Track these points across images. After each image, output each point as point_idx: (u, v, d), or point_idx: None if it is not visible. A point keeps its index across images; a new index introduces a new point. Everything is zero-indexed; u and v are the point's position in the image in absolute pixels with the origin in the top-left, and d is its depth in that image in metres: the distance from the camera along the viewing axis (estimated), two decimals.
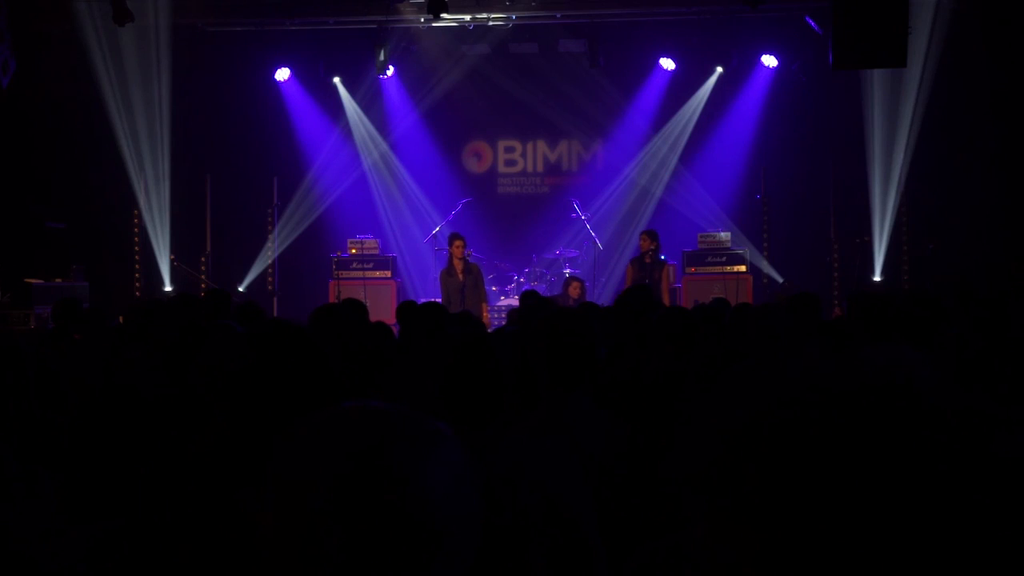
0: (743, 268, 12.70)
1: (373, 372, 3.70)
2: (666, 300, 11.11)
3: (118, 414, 1.99)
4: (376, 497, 0.99)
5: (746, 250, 12.95)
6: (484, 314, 10.82)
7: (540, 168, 14.79)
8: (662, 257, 11.55)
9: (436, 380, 2.26)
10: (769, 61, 13.52)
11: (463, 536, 1.05)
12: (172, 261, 13.26)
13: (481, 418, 2.23)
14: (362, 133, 14.40)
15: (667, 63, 13.73)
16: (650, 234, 11.42)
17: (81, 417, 1.98)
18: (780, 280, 13.50)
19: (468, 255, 11.10)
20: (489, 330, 5.93)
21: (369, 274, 12.95)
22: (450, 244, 10.93)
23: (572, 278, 11.88)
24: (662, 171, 14.20)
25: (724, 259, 12.71)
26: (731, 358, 3.54)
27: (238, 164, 14.06)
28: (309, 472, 1.02)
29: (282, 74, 13.86)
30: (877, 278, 13.02)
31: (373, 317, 8.47)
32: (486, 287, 11.28)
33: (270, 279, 14.15)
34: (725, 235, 12.94)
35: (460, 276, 10.74)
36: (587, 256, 13.19)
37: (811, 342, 3.95)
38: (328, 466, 1.01)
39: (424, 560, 1.00)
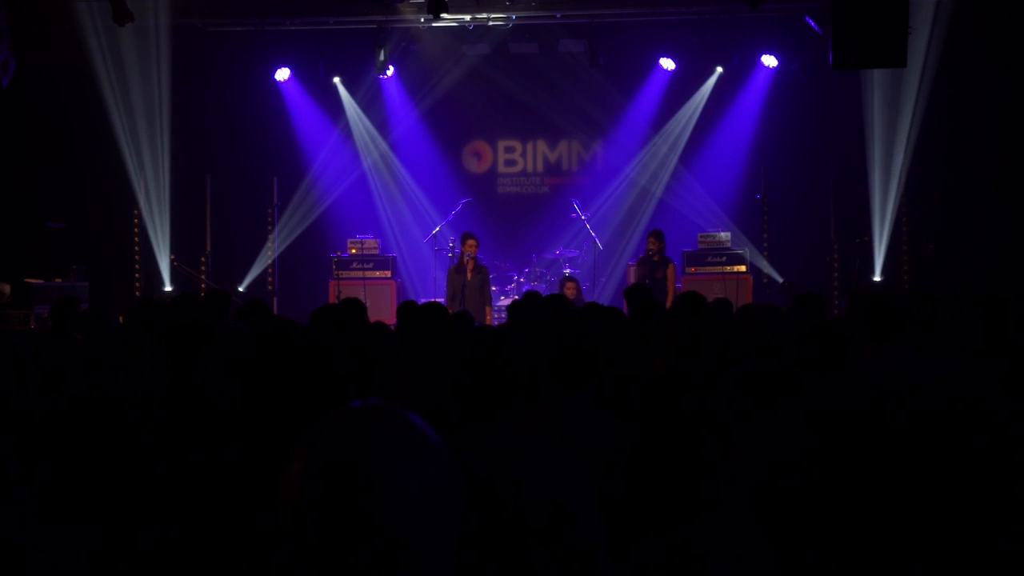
0: (743, 268, 12.70)
1: (372, 371, 3.71)
2: (670, 298, 11.13)
3: (98, 418, 1.99)
4: (345, 505, 1.01)
5: (746, 250, 12.96)
6: (488, 316, 10.84)
7: (540, 168, 14.79)
8: (667, 257, 11.57)
9: (448, 377, 2.27)
10: (769, 61, 13.53)
11: (436, 545, 1.05)
12: (172, 261, 13.26)
13: (492, 415, 2.24)
14: (362, 133, 14.41)
15: (667, 63, 13.73)
16: (657, 234, 11.47)
17: (61, 420, 1.98)
18: (780, 280, 13.51)
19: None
20: None
21: (369, 274, 12.96)
22: (463, 243, 10.94)
23: (567, 278, 11.92)
24: (662, 171, 14.20)
25: (724, 259, 12.72)
26: (732, 358, 3.54)
27: (238, 164, 14.06)
28: (292, 475, 1.04)
29: (282, 74, 13.87)
30: (877, 278, 13.02)
31: (373, 317, 8.48)
32: (490, 289, 11.32)
33: (270, 279, 14.16)
34: (725, 235, 12.94)
35: (469, 275, 10.77)
36: (587, 256, 13.19)
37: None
38: (306, 471, 1.03)
39: (393, 567, 1.01)
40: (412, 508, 1.03)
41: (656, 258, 11.37)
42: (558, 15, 12.71)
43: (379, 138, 14.47)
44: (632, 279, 11.41)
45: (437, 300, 7.76)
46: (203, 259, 13.88)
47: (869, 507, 0.97)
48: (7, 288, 10.73)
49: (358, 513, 1.01)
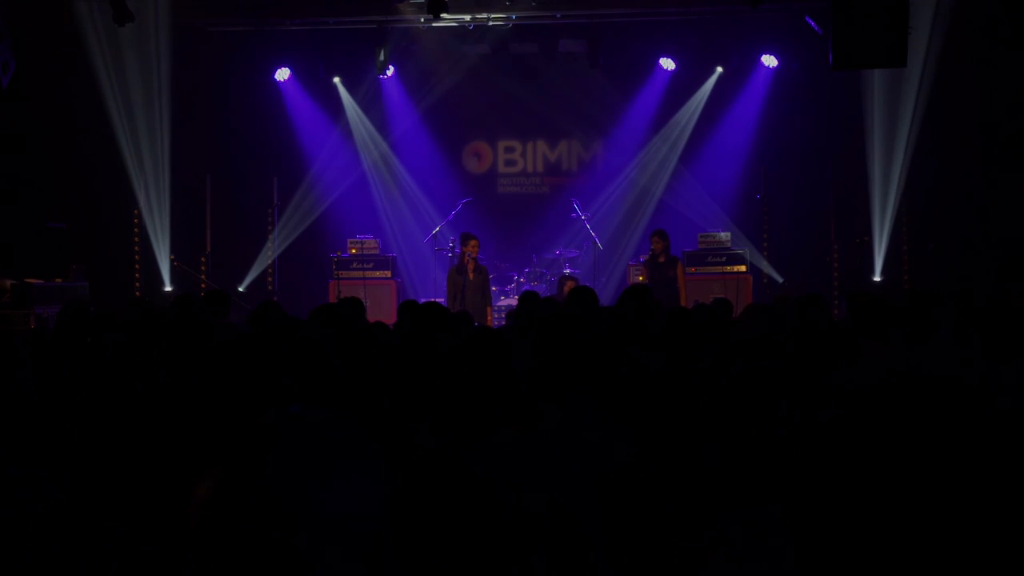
0: (743, 268, 12.70)
1: (370, 371, 3.70)
2: (683, 297, 11.03)
3: (120, 414, 1.99)
4: (245, 518, 0.99)
5: (746, 250, 12.95)
6: (488, 316, 10.84)
7: (540, 168, 14.79)
8: (674, 255, 11.49)
9: (448, 377, 2.27)
10: (769, 61, 13.53)
11: (348, 565, 1.02)
12: (172, 261, 13.26)
13: (491, 415, 2.24)
14: (362, 133, 14.41)
15: (667, 63, 13.73)
16: (660, 234, 11.33)
17: (85, 418, 1.98)
18: (780, 280, 13.51)
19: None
20: None
21: (369, 274, 12.96)
22: (465, 243, 10.92)
23: (567, 278, 11.89)
24: (662, 171, 14.20)
25: (724, 259, 12.71)
26: (732, 358, 3.55)
27: (238, 164, 14.06)
28: (207, 480, 1.02)
29: (282, 74, 13.87)
30: (877, 278, 13.02)
31: (373, 317, 8.49)
32: (490, 290, 11.32)
33: (270, 279, 14.16)
34: (725, 235, 12.94)
35: (470, 275, 10.77)
36: (587, 256, 13.19)
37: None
38: (217, 477, 1.01)
39: None
40: (320, 534, 0.99)
41: (662, 259, 11.25)
42: (558, 15, 12.70)
43: (379, 138, 14.47)
44: (640, 280, 11.31)
45: (437, 300, 7.77)
46: (203, 259, 13.88)
47: (888, 504, 0.96)
48: (7, 284, 10.72)
49: (258, 543, 0.98)
